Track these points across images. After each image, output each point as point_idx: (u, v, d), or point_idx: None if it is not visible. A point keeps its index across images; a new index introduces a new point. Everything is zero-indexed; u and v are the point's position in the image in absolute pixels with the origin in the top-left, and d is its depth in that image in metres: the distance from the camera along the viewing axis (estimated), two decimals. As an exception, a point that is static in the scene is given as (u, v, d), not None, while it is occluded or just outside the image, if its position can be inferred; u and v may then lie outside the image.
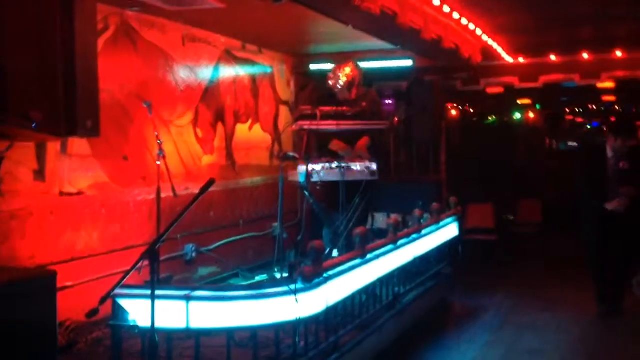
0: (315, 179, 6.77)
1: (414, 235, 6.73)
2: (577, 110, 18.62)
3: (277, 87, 9.08)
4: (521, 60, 10.24)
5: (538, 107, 16.61)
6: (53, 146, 5.43)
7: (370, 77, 7.78)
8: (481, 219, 10.62)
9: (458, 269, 8.52)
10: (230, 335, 4.35)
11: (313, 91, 9.80)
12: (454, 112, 12.76)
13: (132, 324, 4.32)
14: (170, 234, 3.87)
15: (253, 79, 8.52)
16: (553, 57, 10.03)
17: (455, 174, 10.89)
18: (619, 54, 9.69)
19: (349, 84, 7.22)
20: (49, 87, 4.01)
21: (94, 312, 3.45)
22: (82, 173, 5.74)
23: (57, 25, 4.12)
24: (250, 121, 8.45)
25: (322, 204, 7.27)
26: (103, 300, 3.52)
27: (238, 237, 7.95)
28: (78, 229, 5.66)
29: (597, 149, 7.39)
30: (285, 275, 6.42)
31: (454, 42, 7.62)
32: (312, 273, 4.54)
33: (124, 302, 4.32)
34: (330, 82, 7.31)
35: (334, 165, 6.83)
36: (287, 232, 7.46)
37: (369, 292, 5.79)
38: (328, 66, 9.10)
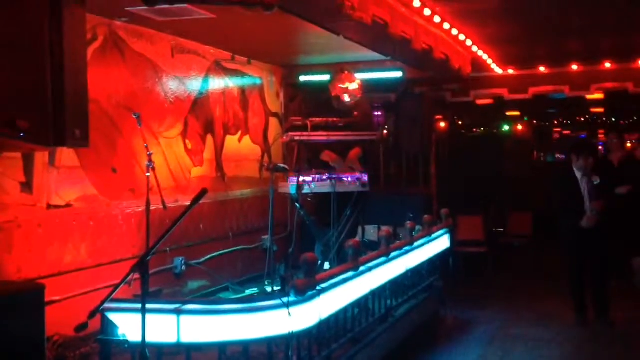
0: (306, 190, 6.71)
1: (406, 248, 6.68)
2: (565, 122, 18.74)
3: (266, 99, 9.03)
4: (511, 71, 10.26)
5: (526, 119, 16.69)
6: (40, 158, 5.34)
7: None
8: (471, 231, 10.59)
9: (449, 282, 8.48)
10: (222, 349, 4.27)
11: (302, 102, 9.76)
12: (442, 124, 12.76)
13: (121, 338, 4.24)
14: (159, 247, 3.79)
15: (242, 91, 8.47)
16: (543, 69, 10.06)
17: (445, 186, 10.88)
18: (608, 65, 9.73)
19: (354, 99, 7.22)
20: (37, 97, 3.94)
21: (82, 326, 3.37)
22: (70, 185, 5.65)
23: (46, 34, 4.05)
24: (239, 133, 8.38)
25: (312, 216, 7.22)
26: (92, 315, 3.43)
27: (228, 250, 7.86)
28: (66, 242, 5.56)
29: (569, 167, 7.64)
30: (277, 288, 6.36)
31: (444, 52, 7.61)
32: (305, 286, 4.47)
33: (113, 316, 4.23)
34: (335, 95, 7.26)
35: (325, 176, 6.78)
36: (277, 245, 7.39)
37: (362, 305, 5.73)
38: (317, 77, 9.11)
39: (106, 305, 3.64)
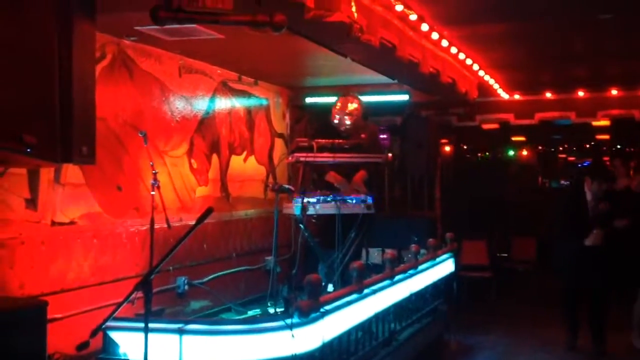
0: (311, 211, 6.68)
1: (411, 271, 6.64)
2: (570, 149, 18.72)
3: (272, 120, 9.05)
4: (517, 97, 10.28)
5: (531, 144, 16.68)
6: (46, 174, 5.34)
7: (365, 111, 7.75)
8: (475, 256, 10.56)
9: (453, 306, 8.43)
10: (224, 370, 4.22)
11: (308, 124, 9.77)
12: (448, 148, 12.76)
13: (123, 357, 4.20)
14: (162, 266, 3.78)
15: (248, 111, 8.48)
16: (549, 95, 10.07)
17: (449, 210, 10.85)
18: (614, 92, 9.74)
19: (355, 123, 7.21)
20: (45, 112, 3.94)
21: (84, 345, 3.35)
22: (74, 202, 5.64)
23: (55, 50, 4.06)
24: (245, 153, 8.39)
25: (316, 237, 7.19)
26: (95, 333, 3.41)
27: (231, 270, 7.83)
28: (69, 259, 5.53)
29: (581, 189, 7.58)
30: (279, 309, 6.31)
31: (451, 76, 7.62)
32: (309, 307, 4.43)
33: (115, 335, 4.21)
34: (336, 121, 7.26)
35: (330, 198, 6.76)
36: (280, 266, 7.35)
37: (365, 328, 5.68)
38: (324, 99, 9.13)
39: (108, 323, 3.62)
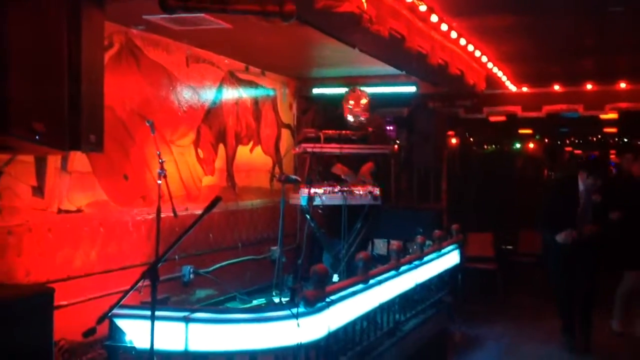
0: (317, 202, 6.68)
1: (416, 262, 6.63)
2: (577, 142, 18.64)
3: (279, 110, 9.05)
4: (525, 89, 10.24)
5: (538, 137, 16.62)
6: (53, 162, 5.36)
7: (372, 103, 7.74)
8: (481, 248, 10.55)
9: (458, 298, 8.43)
10: (229, 358, 4.24)
11: (315, 115, 9.77)
12: (454, 140, 12.74)
13: (128, 345, 4.21)
14: (168, 255, 3.79)
15: (255, 101, 8.48)
16: (557, 87, 10.03)
17: (455, 201, 10.84)
18: (623, 85, 9.69)
19: (365, 118, 7.23)
20: (54, 100, 3.95)
21: (91, 331, 3.37)
22: (81, 190, 5.66)
23: (64, 38, 4.07)
24: (251, 143, 8.39)
25: (322, 228, 7.19)
26: (101, 320, 3.44)
27: (236, 260, 7.85)
28: (76, 247, 5.56)
29: (572, 181, 7.51)
30: (284, 299, 6.32)
31: (460, 68, 7.59)
32: (315, 297, 4.43)
33: (121, 323, 4.21)
34: (351, 118, 7.26)
35: (337, 189, 6.75)
36: (285, 256, 7.36)
37: (370, 318, 5.68)
38: (331, 90, 9.12)
39: (114, 311, 3.64)
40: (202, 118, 7.37)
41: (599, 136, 17.05)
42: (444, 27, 6.42)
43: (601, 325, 7.83)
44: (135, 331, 4.18)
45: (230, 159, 7.93)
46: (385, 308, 5.91)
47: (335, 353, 4.99)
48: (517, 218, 12.83)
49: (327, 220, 7.19)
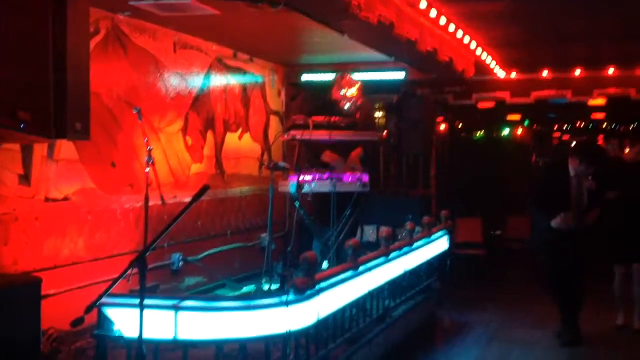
0: (306, 189, 6.67)
1: (405, 248, 6.65)
2: (565, 127, 18.70)
3: (267, 97, 9.00)
4: (513, 75, 10.24)
5: (526, 123, 16.66)
6: (39, 150, 5.30)
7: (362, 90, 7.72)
8: (470, 234, 10.59)
9: (447, 284, 8.46)
10: (219, 347, 4.23)
11: (304, 101, 9.72)
12: (443, 126, 12.73)
13: (117, 334, 4.20)
14: (156, 243, 3.76)
15: (244, 88, 8.43)
16: (545, 73, 10.03)
17: (444, 188, 10.85)
18: (611, 71, 9.71)
19: (355, 104, 7.20)
20: (39, 89, 3.91)
21: (79, 320, 3.33)
22: (68, 179, 5.61)
23: (49, 26, 4.02)
24: (240, 130, 8.35)
25: (311, 215, 7.19)
26: (89, 309, 3.40)
27: (225, 247, 7.83)
28: (63, 235, 5.52)
29: (563, 166, 7.21)
30: (274, 286, 6.33)
31: (448, 54, 7.58)
32: (304, 284, 4.43)
33: (109, 311, 4.20)
34: (346, 106, 7.24)
35: (325, 176, 6.74)
36: (274, 243, 7.35)
37: (359, 305, 5.69)
38: (319, 77, 9.08)
39: (103, 300, 3.60)
40: (190, 105, 7.31)
41: (587, 122, 17.11)
42: (433, 13, 6.39)
43: (605, 317, 7.78)
44: (124, 320, 4.16)
45: (218, 146, 7.89)
46: (374, 295, 5.93)
47: (325, 340, 5.01)
48: (505, 204, 12.89)
49: (316, 208, 7.19)
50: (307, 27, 6.37)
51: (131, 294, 4.31)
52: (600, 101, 10.25)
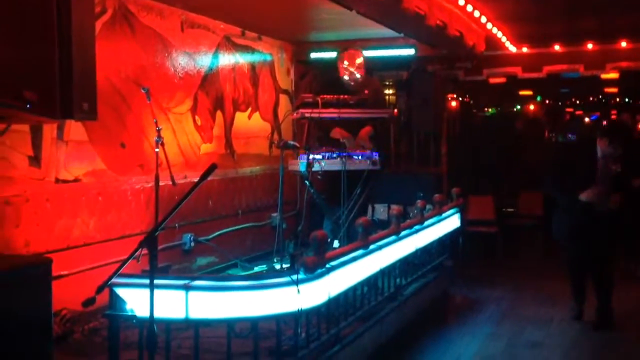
0: (316, 168, 6.64)
1: (417, 227, 6.62)
2: (578, 103, 18.56)
3: (276, 75, 8.95)
4: (525, 50, 10.13)
5: (539, 98, 16.53)
6: (49, 132, 5.31)
7: (370, 66, 7.65)
8: (481, 211, 10.53)
9: (459, 261, 8.44)
10: (230, 326, 4.24)
11: (313, 79, 9.67)
12: (454, 103, 12.64)
13: (129, 313, 4.21)
14: (168, 223, 3.76)
15: (252, 67, 8.39)
16: (557, 47, 9.92)
17: (455, 165, 10.80)
18: (623, 44, 9.59)
19: (365, 76, 7.15)
20: (45, 69, 3.89)
21: (90, 301, 3.34)
22: (78, 160, 5.62)
23: (54, 5, 3.99)
24: (249, 109, 8.32)
25: (322, 194, 7.17)
26: (100, 289, 3.41)
27: (236, 227, 7.84)
28: (74, 216, 5.54)
29: (591, 144, 6.88)
30: (285, 265, 6.33)
31: (458, 29, 7.49)
32: (314, 263, 4.42)
33: (121, 291, 4.20)
34: (346, 77, 7.18)
35: (336, 154, 6.71)
36: (286, 222, 7.35)
37: (371, 283, 5.69)
38: (329, 54, 9.01)
39: (114, 280, 3.61)
40: (198, 85, 7.29)
41: (600, 96, 16.96)
42: (442, -14, 6.32)
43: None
44: (135, 300, 4.17)
45: (228, 126, 7.87)
46: (385, 273, 5.92)
47: (336, 318, 5.01)
48: (517, 180, 12.80)
49: (327, 186, 7.16)
50: (315, 3, 6.31)
51: (142, 274, 4.31)
52: (613, 75, 10.13)
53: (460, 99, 13.18)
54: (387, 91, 11.05)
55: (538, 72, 10.14)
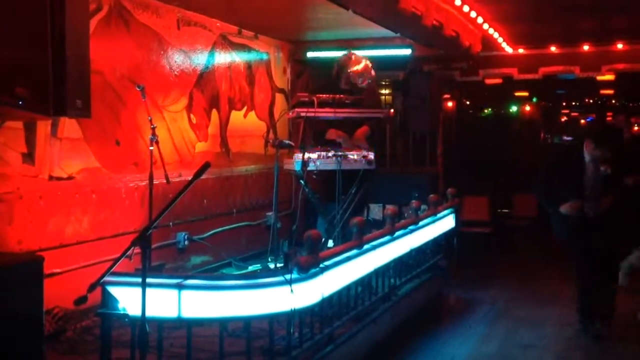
0: (311, 167, 6.63)
1: (411, 227, 6.61)
2: (574, 104, 18.59)
3: (273, 74, 8.94)
4: (521, 51, 10.13)
5: (535, 100, 16.55)
6: (43, 129, 5.28)
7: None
8: (476, 212, 10.54)
9: (453, 262, 8.44)
10: (223, 325, 4.22)
11: (309, 79, 9.66)
12: (450, 104, 12.65)
13: (122, 312, 4.19)
14: (162, 222, 3.74)
15: (249, 66, 8.37)
16: (553, 49, 9.93)
17: (451, 165, 10.80)
18: (619, 46, 9.60)
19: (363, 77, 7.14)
20: (38, 66, 3.87)
21: (82, 299, 3.33)
22: (72, 157, 5.59)
23: (47, 2, 3.97)
24: (245, 108, 8.30)
25: (317, 193, 7.16)
26: (92, 288, 3.39)
27: (231, 226, 7.82)
28: (67, 214, 5.51)
29: (580, 147, 6.71)
30: (280, 265, 6.31)
31: (455, 29, 7.49)
32: (308, 263, 4.41)
33: (113, 290, 4.18)
34: (359, 80, 7.18)
35: (331, 153, 6.70)
36: (280, 222, 7.33)
37: (365, 283, 5.68)
38: (325, 54, 9.01)
39: (107, 278, 3.60)
40: (194, 83, 7.27)
41: (596, 98, 16.99)
42: (439, -14, 6.32)
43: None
44: (128, 298, 4.15)
45: (223, 125, 7.85)
46: (380, 273, 5.91)
47: (330, 318, 5.00)
48: (512, 182, 12.81)
49: (322, 186, 7.15)
50: (312, 3, 6.29)
51: (135, 272, 4.30)
52: (609, 77, 10.14)
53: (457, 99, 13.18)
54: (383, 91, 11.05)
55: (534, 74, 10.15)
